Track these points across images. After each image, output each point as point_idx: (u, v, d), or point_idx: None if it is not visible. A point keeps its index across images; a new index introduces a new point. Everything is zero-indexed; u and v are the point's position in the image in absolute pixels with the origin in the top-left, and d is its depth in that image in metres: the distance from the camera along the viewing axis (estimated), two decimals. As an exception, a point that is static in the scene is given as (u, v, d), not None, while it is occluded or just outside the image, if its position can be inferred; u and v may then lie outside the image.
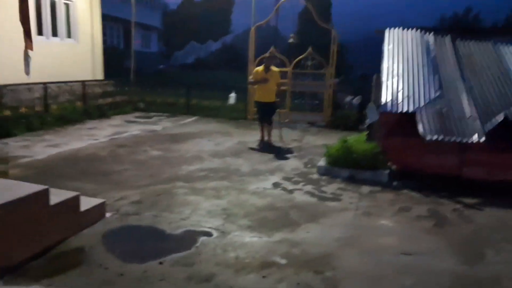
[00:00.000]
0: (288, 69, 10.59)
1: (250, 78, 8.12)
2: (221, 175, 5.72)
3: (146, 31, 28.25)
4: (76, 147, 7.13)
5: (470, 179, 5.64)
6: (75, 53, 11.25)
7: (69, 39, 11.22)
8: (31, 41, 7.87)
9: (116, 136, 8.17)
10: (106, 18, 21.68)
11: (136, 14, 25.14)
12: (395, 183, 5.56)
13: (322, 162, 6.13)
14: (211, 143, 7.93)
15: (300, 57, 10.64)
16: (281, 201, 4.75)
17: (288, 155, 7.18)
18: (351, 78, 19.39)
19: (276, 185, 5.38)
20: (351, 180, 5.70)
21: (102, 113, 10.59)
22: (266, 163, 6.57)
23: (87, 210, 3.86)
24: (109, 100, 11.35)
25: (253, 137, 8.61)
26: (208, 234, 3.77)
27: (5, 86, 8.72)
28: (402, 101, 5.99)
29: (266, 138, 8.04)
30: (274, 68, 7.85)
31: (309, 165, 6.48)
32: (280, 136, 8.27)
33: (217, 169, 6.05)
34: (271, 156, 7.07)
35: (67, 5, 11.05)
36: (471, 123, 5.54)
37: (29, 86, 8.83)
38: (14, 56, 9.10)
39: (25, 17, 7.87)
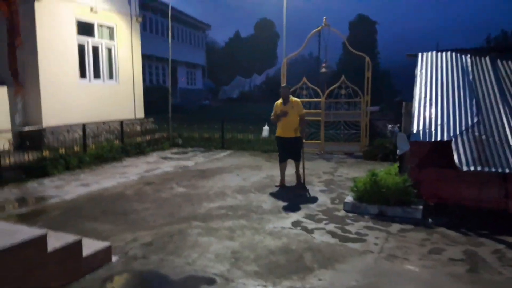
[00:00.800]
0: (321, 99, 10.33)
1: (272, 114, 7.12)
2: (240, 213, 5.49)
3: (191, 69, 29.35)
4: (105, 186, 7.26)
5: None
6: (116, 94, 11.79)
7: (110, 80, 11.80)
8: (19, 86, 8.14)
9: (147, 174, 8.26)
10: (152, 59, 22.96)
11: (182, 53, 26.48)
12: (429, 220, 5.02)
13: (349, 198, 5.72)
14: (239, 178, 7.77)
15: (334, 86, 10.36)
16: (297, 242, 4.41)
17: (317, 190, 6.81)
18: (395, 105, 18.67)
19: (296, 224, 5.05)
20: (380, 217, 5.23)
21: (140, 151, 10.86)
22: (290, 199, 6.26)
23: (91, 255, 3.77)
24: (148, 137, 11.65)
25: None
26: (211, 282, 3.52)
27: (46, 128, 9.23)
28: (435, 128, 5.51)
29: (297, 175, 7.25)
30: (293, 99, 7.06)
31: (336, 201, 6.08)
32: (303, 177, 7.28)
33: (238, 206, 5.84)
34: (298, 191, 6.75)
35: (109, 49, 11.70)
36: (514, 151, 4.94)
37: (68, 127, 9.26)
38: (58, 99, 9.71)
39: (13, 62, 8.19)
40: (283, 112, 6.88)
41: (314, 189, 6.85)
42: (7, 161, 7.73)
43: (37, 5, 9.18)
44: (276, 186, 7.07)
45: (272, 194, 6.51)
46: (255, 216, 5.41)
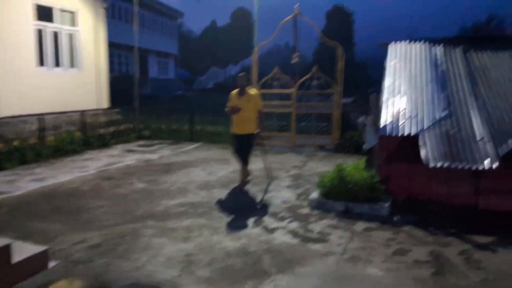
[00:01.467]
0: (293, 90, 10.08)
1: (227, 105, 6.28)
2: (200, 211, 5.19)
3: (163, 58, 28.60)
4: (61, 180, 6.81)
5: (487, 210, 4.88)
6: (79, 83, 11.17)
7: (72, 68, 11.18)
8: None
9: (107, 168, 7.83)
10: (122, 47, 22.15)
11: (153, 42, 25.70)
12: (395, 218, 4.85)
13: (315, 194, 5.50)
14: (204, 172, 7.45)
15: (305, 77, 10.12)
16: (257, 243, 4.14)
17: (283, 185, 6.57)
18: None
19: (257, 222, 4.79)
20: (346, 214, 5.03)
21: (103, 143, 10.36)
22: (254, 195, 6.00)
23: (22, 261, 3.39)
24: (112, 129, 11.14)
25: (251, 164, 8.08)
26: (157, 289, 3.22)
27: (0, 118, 8.63)
28: (404, 122, 5.33)
29: (240, 180, 6.45)
30: (251, 91, 6.20)
31: (302, 197, 5.85)
32: (269, 172, 6.90)
33: (199, 203, 5.53)
34: (263, 187, 6.49)
35: (70, 35, 11.06)
36: (483, 146, 4.81)
37: (23, 118, 8.69)
38: (13, 88, 9.08)
39: None
40: (236, 108, 6.05)
41: (280, 184, 6.60)
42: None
43: (-13, -14, 8.50)
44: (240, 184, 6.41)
45: (236, 191, 6.22)
46: (216, 214, 5.12)
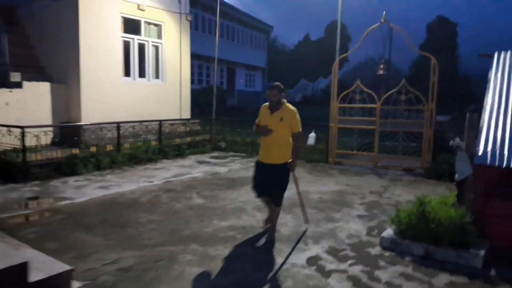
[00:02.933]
0: (377, 105, 9.05)
1: (256, 122, 4.78)
2: (249, 238, 4.60)
3: (251, 71, 28.88)
4: (124, 189, 6.77)
5: None
6: (161, 93, 11.47)
7: (156, 79, 11.52)
8: None
9: (173, 179, 7.67)
10: (210, 60, 22.76)
11: (242, 55, 26.11)
12: (492, 272, 3.73)
13: (389, 231, 4.56)
14: (268, 191, 6.85)
15: (392, 91, 9.03)
16: (304, 288, 3.41)
17: (354, 214, 5.68)
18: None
19: (312, 260, 4.03)
20: (426, 261, 4.02)
21: (178, 153, 10.39)
22: (318, 223, 5.22)
23: (42, 281, 3.13)
24: (189, 139, 11.17)
25: (323, 186, 7.31)
26: (169, 337, 2.69)
27: (84, 125, 9.07)
28: (510, 150, 4.17)
29: (268, 222, 4.86)
30: (287, 106, 4.53)
31: (374, 232, 4.92)
32: (305, 217, 5.15)
33: (251, 228, 4.94)
34: (329, 214, 5.67)
35: (156, 47, 11.42)
36: None
37: (103, 126, 9.02)
38: (99, 96, 9.55)
39: None
40: (266, 129, 4.51)
41: (351, 213, 5.72)
42: (39, 157, 7.59)
43: (80, 1, 9.07)
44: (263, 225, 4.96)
45: (298, 216, 5.51)
46: (267, 243, 4.48)
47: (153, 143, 9.96)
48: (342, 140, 9.84)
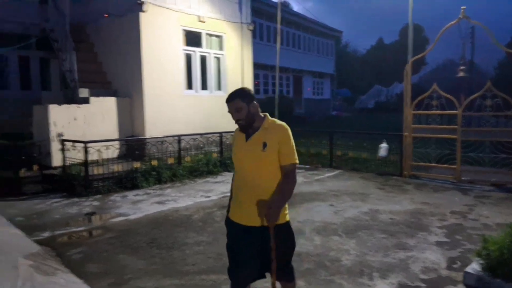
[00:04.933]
0: (458, 111, 7.93)
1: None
2: (304, 268, 4.00)
3: (318, 78, 28.07)
4: (179, 205, 6.55)
5: None
6: (223, 105, 11.26)
7: (218, 91, 11.40)
8: None
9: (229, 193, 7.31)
10: (275, 69, 22.50)
11: (308, 62, 25.47)
12: None
13: (474, 265, 3.69)
14: (330, 209, 6.18)
15: (475, 95, 7.86)
16: None
17: (432, 241, 4.81)
18: None
19: (376, 301, 3.35)
20: (528, 310, 3.13)
21: (239, 165, 10.07)
22: (387, 251, 4.47)
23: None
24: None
25: (395, 204, 6.47)
26: None
27: (147, 139, 9.13)
28: None
29: None
30: (271, 123, 2.63)
31: (456, 265, 4.06)
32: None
33: (306, 255, 4.35)
34: (401, 240, 4.87)
35: (217, 59, 11.32)
36: None
37: (164, 139, 8.99)
38: (162, 110, 9.61)
39: None
40: (238, 159, 2.71)
41: (428, 239, 4.86)
42: (101, 171, 7.71)
43: (142, 16, 9.21)
44: None
45: (363, 242, 4.79)
46: (324, 274, 3.86)
47: (214, 155, 9.75)
48: (418, 151, 8.80)
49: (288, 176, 2.59)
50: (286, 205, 2.68)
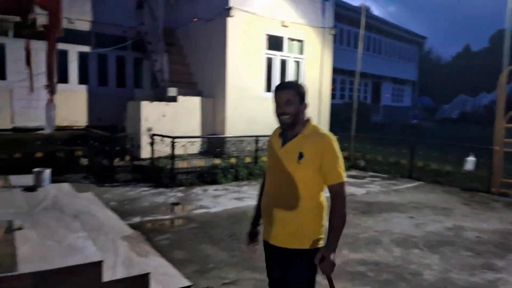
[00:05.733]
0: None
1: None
2: (383, 278, 3.95)
3: (398, 85, 26.95)
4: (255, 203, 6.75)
5: None
6: (300, 108, 11.40)
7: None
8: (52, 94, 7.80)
9: (305, 197, 7.38)
10: (354, 74, 22.05)
11: (389, 68, 24.58)
12: None
13: None
14: (410, 222, 5.97)
15: None
16: None
17: (526, 264, 4.46)
18: None
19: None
20: None
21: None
22: (473, 270, 4.23)
23: (160, 296, 3.14)
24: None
25: (482, 222, 6.07)
26: None
27: (227, 138, 9.55)
28: None
29: None
30: (312, 130, 2.23)
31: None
32: None
33: (386, 266, 4.27)
34: (489, 259, 4.57)
35: (297, 63, 11.45)
36: None
37: (243, 139, 9.31)
38: (242, 111, 9.97)
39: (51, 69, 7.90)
40: (271, 167, 2.35)
41: (521, 262, 4.51)
42: (185, 165, 8.23)
43: (229, 20, 9.63)
44: None
45: (447, 258, 4.59)
46: (404, 286, 3.77)
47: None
48: (509, 167, 8.15)
49: (336, 198, 2.12)
50: (321, 229, 2.21)
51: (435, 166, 9.58)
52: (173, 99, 9.82)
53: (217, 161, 8.69)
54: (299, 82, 2.31)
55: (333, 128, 12.68)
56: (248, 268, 4.06)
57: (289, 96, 2.17)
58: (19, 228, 3.37)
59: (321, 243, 2.19)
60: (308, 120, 2.25)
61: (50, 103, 6.14)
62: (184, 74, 11.15)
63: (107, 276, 2.93)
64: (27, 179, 4.90)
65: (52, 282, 2.65)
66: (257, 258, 4.33)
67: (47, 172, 5.02)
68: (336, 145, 2.16)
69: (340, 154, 2.17)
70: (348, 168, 10.64)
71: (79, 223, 3.79)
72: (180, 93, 9.98)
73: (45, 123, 7.14)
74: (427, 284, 3.87)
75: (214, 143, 9.66)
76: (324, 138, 2.17)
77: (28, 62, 6.12)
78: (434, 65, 47.37)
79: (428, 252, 4.73)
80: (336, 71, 19.58)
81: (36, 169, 5.06)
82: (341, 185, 2.13)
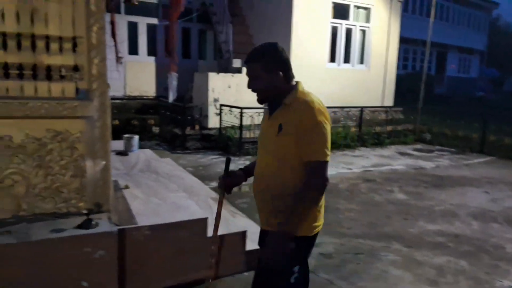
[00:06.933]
0: None
1: None
2: (463, 250, 3.97)
3: (466, 55, 25.29)
4: (324, 174, 6.88)
5: None
6: (364, 79, 11.19)
7: (360, 65, 11.28)
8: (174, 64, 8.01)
9: (372, 169, 7.39)
10: (417, 42, 20.97)
11: (455, 36, 23.08)
12: None
13: None
14: (485, 196, 5.84)
15: None
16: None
17: None
18: None
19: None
20: None
21: (377, 141, 9.98)
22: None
23: (254, 251, 3.41)
24: (390, 128, 10.58)
25: None
26: None
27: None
28: None
29: None
30: (297, 99, 1.86)
31: None
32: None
33: (466, 238, 4.27)
34: None
35: (363, 32, 11.14)
36: None
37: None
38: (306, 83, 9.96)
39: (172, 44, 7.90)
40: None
41: None
42: (252, 135, 8.47)
43: (296, -11, 9.52)
44: None
45: (529, 232, 4.50)
46: (486, 259, 3.78)
47: (352, 129, 9.83)
48: None
49: (310, 173, 1.76)
50: (317, 213, 1.90)
51: (509, 141, 9.11)
52: (237, 70, 10.00)
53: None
54: (271, 45, 1.90)
55: (396, 99, 12.36)
56: (327, 233, 4.23)
57: (253, 71, 1.88)
58: (126, 187, 3.75)
59: (314, 231, 1.91)
60: (293, 86, 1.89)
61: (172, 73, 6.65)
62: (247, 44, 11.22)
63: (209, 231, 3.21)
64: (115, 144, 5.28)
65: (164, 234, 2.98)
66: (332, 225, 4.51)
67: (136, 138, 5.45)
68: (319, 115, 1.76)
69: (322, 127, 1.75)
70: (413, 141, 10.43)
71: (175, 184, 4.14)
72: (243, 64, 10.13)
73: (169, 92, 8.44)
74: (510, 257, 3.84)
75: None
76: (305, 106, 1.78)
77: (113, 34, 6.49)
78: (502, 33, 43.65)
79: (508, 227, 4.64)
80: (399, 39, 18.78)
81: (126, 135, 5.50)
82: (317, 164, 1.74)
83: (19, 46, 2.69)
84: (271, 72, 1.85)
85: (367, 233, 4.32)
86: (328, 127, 1.78)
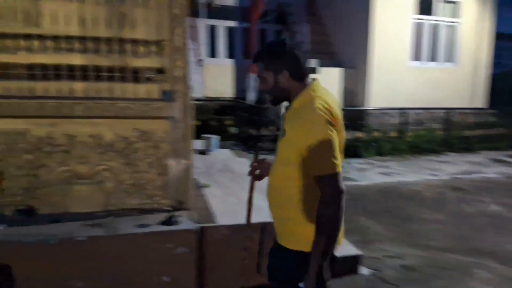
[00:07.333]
0: None
1: None
2: None
3: None
4: (406, 180, 6.48)
5: None
6: (451, 78, 10.36)
7: (447, 63, 10.47)
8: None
9: (461, 176, 6.79)
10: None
11: None
12: None
13: None
14: None
15: None
16: None
17: None
18: None
19: None
20: None
21: (466, 146, 9.17)
22: None
23: (337, 259, 3.28)
24: (480, 132, 9.68)
25: None
26: None
27: (367, 110, 9.25)
28: None
29: None
30: (299, 101, 1.67)
31: None
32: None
33: None
34: None
35: (451, 27, 10.33)
36: None
37: (386, 111, 8.91)
38: (382, 81, 9.52)
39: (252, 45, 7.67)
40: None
41: None
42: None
43: (375, -15, 9.11)
44: None
45: None
46: None
47: (438, 132, 9.15)
48: None
49: (321, 193, 1.63)
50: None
51: None
52: (313, 70, 9.84)
53: (359, 134, 8.51)
54: (275, 45, 1.72)
55: (491, 101, 11.29)
56: (410, 245, 3.95)
57: (259, 71, 1.73)
58: (206, 185, 3.84)
59: (307, 241, 1.65)
60: (305, 86, 1.68)
61: (251, 75, 6.86)
62: (324, 44, 11.02)
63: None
64: (196, 144, 5.43)
65: (241, 235, 2.97)
66: (415, 236, 4.21)
67: (215, 138, 5.59)
68: (323, 125, 1.56)
69: (328, 139, 1.56)
70: (508, 147, 9.45)
71: (252, 185, 4.12)
72: (320, 64, 9.93)
73: (248, 93, 8.55)
74: None
75: (354, 115, 9.46)
76: (307, 113, 1.60)
77: (194, 37, 6.75)
78: None
79: None
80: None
81: (206, 135, 5.67)
82: (329, 177, 1.60)
83: (109, 50, 2.87)
84: (276, 72, 1.68)
85: (456, 247, 3.95)
86: (334, 134, 1.58)
